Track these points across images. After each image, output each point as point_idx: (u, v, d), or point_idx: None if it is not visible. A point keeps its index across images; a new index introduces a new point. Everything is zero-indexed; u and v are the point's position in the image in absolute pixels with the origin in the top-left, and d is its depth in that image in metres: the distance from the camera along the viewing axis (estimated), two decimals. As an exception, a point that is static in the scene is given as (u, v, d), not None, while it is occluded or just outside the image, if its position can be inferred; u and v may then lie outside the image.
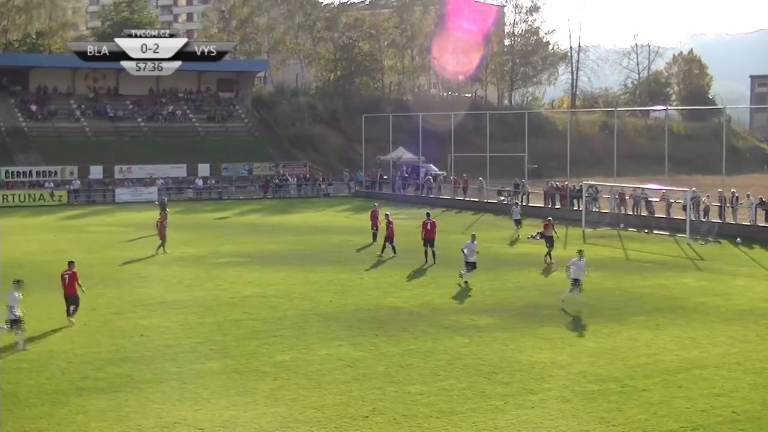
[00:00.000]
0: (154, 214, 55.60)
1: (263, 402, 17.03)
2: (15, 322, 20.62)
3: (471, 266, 30.23)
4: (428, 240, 34.75)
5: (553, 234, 35.72)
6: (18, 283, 21.22)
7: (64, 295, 24.12)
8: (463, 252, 30.40)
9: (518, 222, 44.74)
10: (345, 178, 75.88)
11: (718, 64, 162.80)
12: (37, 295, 27.86)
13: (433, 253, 34.70)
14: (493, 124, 71.17)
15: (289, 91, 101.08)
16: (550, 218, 37.71)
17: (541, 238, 36.14)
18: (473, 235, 31.56)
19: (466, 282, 29.83)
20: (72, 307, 24.04)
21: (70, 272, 24.15)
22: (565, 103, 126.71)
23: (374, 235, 40.25)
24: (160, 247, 37.56)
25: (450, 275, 31.73)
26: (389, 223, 36.91)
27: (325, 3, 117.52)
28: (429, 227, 34.92)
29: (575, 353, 20.65)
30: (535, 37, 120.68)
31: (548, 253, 35.11)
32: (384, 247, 36.82)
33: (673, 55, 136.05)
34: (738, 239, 41.22)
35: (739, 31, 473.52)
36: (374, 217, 40.80)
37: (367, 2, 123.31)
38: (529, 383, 18.22)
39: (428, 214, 36.49)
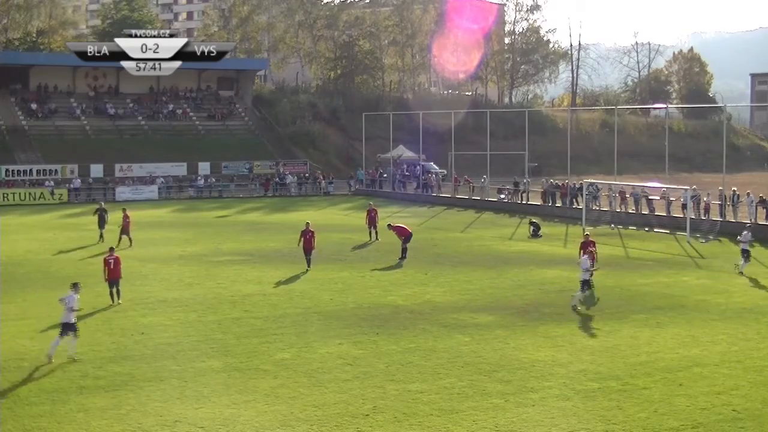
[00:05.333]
0: (155, 213, 55.82)
1: (264, 400, 17.04)
2: None
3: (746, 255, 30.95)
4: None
5: (593, 251, 28.31)
6: None
7: (108, 279, 25.93)
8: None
9: (747, 254, 32.01)
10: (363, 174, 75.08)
11: (718, 62, 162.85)
12: (38, 294, 27.92)
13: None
14: (493, 123, 71.21)
15: (290, 89, 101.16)
16: (588, 233, 30.78)
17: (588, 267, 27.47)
18: None
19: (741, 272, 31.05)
20: (115, 289, 26.01)
21: (115, 257, 26.13)
22: (566, 101, 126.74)
23: (371, 234, 40.98)
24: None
25: (450, 274, 31.77)
26: (307, 233, 32.95)
27: (325, 1, 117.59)
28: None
29: (576, 351, 20.65)
30: (535, 35, 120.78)
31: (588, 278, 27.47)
32: (308, 261, 32.88)
33: (674, 53, 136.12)
34: (738, 237, 41.14)
35: (739, 29, 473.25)
36: (370, 217, 41.43)
37: (367, 1, 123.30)
38: (529, 381, 18.22)
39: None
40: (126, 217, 39.51)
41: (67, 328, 20.04)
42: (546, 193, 56.78)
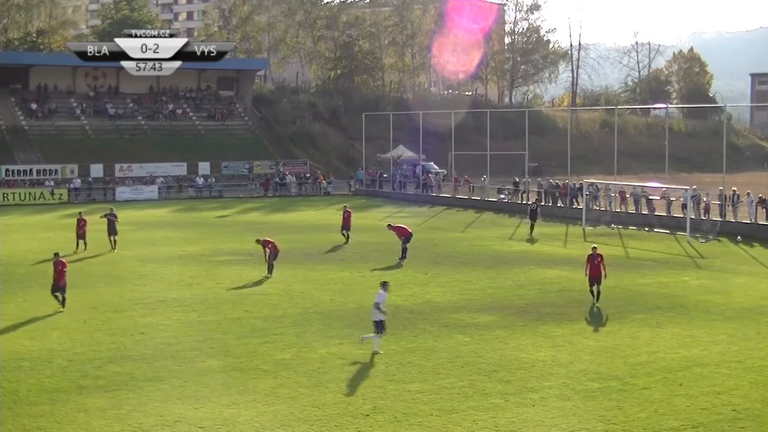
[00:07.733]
0: (155, 213, 55.90)
1: (263, 400, 17.03)
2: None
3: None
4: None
5: (602, 269, 26.19)
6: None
7: (60, 285, 25.00)
8: None
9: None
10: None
11: (718, 62, 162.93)
12: (38, 294, 27.90)
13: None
14: (493, 123, 71.24)
15: (290, 89, 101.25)
16: (595, 246, 27.44)
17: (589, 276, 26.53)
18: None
19: None
20: (62, 295, 25.02)
21: (63, 262, 25.25)
22: (566, 101, 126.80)
23: (347, 237, 40.38)
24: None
25: (450, 274, 31.76)
26: (267, 243, 31.28)
27: (325, 1, 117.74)
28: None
29: (576, 351, 20.64)
30: (535, 35, 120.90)
31: (595, 294, 26.34)
32: (271, 267, 31.20)
33: (674, 53, 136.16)
34: (738, 237, 41.21)
35: (739, 29, 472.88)
36: (344, 218, 40.78)
37: (367, 1, 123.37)
38: (529, 381, 18.22)
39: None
40: (83, 221, 37.95)
41: (379, 324, 20.25)
42: (545, 193, 56.73)
